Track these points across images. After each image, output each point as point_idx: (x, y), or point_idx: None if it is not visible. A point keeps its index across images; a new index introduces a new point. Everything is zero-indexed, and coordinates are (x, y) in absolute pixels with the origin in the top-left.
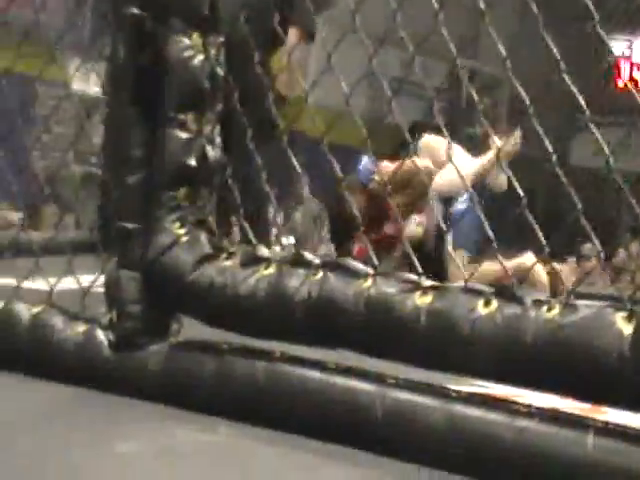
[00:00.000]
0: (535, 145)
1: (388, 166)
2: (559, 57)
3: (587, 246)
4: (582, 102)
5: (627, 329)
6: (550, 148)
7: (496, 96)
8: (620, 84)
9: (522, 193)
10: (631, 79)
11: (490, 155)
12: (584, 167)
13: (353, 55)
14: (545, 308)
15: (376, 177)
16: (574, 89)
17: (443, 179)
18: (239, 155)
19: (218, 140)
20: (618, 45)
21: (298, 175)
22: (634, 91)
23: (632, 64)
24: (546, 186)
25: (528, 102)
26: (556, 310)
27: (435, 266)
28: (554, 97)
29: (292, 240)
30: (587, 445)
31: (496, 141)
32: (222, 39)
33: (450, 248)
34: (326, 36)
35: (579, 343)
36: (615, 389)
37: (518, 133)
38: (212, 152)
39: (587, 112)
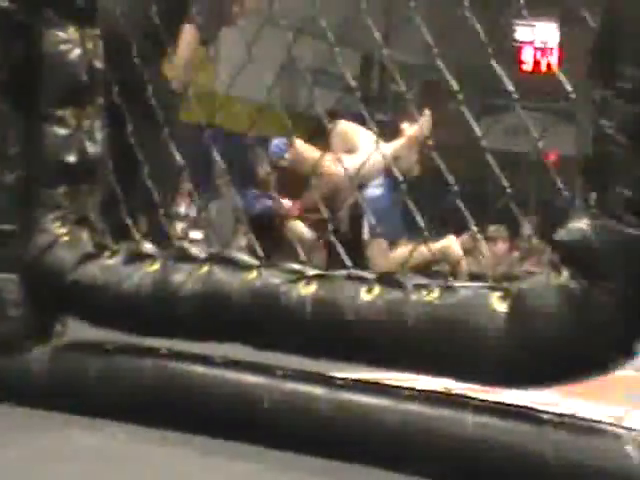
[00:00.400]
0: (448, 130)
1: (302, 145)
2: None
3: (492, 227)
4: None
5: (501, 308)
6: (478, 131)
7: (408, 83)
8: (524, 68)
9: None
10: (535, 62)
11: (401, 140)
12: (493, 149)
13: (264, 46)
14: (425, 292)
15: (287, 155)
16: (499, 71)
17: (356, 165)
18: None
19: (99, 135)
20: (521, 30)
21: (217, 168)
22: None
23: (535, 48)
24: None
25: (456, 88)
26: (435, 293)
27: (352, 254)
28: (463, 81)
29: (199, 235)
30: (468, 424)
31: (406, 127)
32: (98, 32)
33: (367, 235)
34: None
35: (457, 324)
36: (492, 367)
37: (427, 117)
38: (92, 148)
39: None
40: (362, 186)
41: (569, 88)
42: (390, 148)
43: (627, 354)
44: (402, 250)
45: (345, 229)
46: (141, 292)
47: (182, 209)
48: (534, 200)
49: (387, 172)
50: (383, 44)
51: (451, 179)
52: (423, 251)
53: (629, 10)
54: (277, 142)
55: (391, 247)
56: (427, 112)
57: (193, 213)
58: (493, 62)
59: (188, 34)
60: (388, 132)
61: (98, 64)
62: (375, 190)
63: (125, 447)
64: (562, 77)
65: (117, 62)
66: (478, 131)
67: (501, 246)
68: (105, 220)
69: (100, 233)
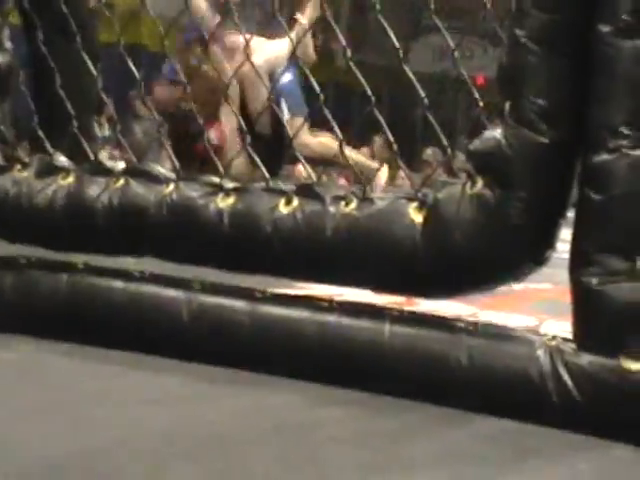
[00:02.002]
0: (375, 50)
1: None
2: None
3: (428, 151)
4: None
5: (418, 217)
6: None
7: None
8: None
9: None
10: None
11: (297, 30)
12: (424, 72)
13: None
14: (343, 203)
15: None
16: None
17: (264, 58)
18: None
19: (8, 44)
20: None
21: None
22: None
23: None
24: (389, 93)
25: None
26: (353, 204)
27: (278, 151)
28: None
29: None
30: (384, 333)
31: (300, 18)
32: None
33: (287, 115)
34: None
35: (376, 234)
36: (410, 277)
37: (313, 2)
38: (1, 57)
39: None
40: (271, 76)
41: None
42: (286, 41)
43: (538, 261)
44: (323, 139)
45: (266, 127)
46: (55, 205)
47: (106, 132)
48: (463, 122)
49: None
50: None
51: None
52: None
53: None
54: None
55: (311, 131)
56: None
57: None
58: None
59: None
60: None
61: None
62: (285, 78)
63: (41, 362)
64: None
65: None
66: (400, 52)
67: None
68: (17, 132)
69: (10, 145)
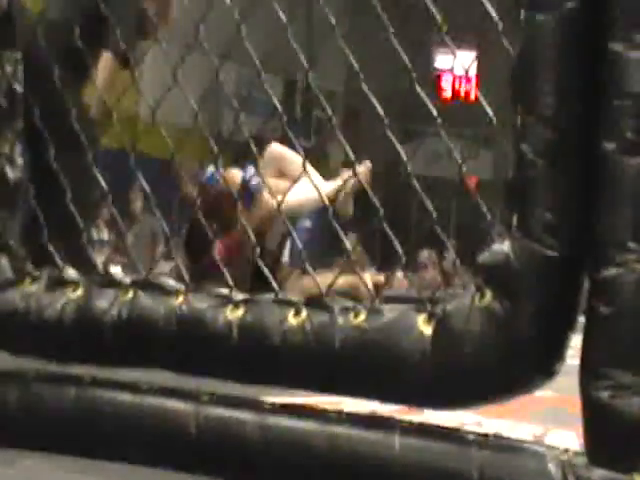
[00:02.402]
0: (371, 156)
1: (235, 173)
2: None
3: (424, 253)
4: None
5: (427, 330)
6: (404, 156)
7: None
8: (444, 95)
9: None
10: (453, 90)
11: (338, 182)
12: (417, 175)
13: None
14: (352, 314)
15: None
16: (424, 98)
17: (296, 197)
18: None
19: (19, 160)
20: (442, 58)
21: (134, 195)
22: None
23: (454, 76)
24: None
25: (382, 115)
26: (362, 316)
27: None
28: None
29: (118, 269)
30: (395, 447)
31: (345, 172)
32: (19, 55)
33: (287, 261)
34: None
35: (385, 346)
36: (418, 388)
37: (366, 167)
38: (12, 173)
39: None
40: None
41: (491, 113)
42: (329, 187)
43: (548, 374)
44: (309, 280)
45: (267, 258)
46: (64, 319)
47: (104, 236)
48: (455, 224)
49: (319, 208)
50: (308, 69)
51: (380, 210)
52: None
53: (546, 39)
54: (210, 172)
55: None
56: (367, 162)
57: (105, 237)
58: (417, 88)
59: (104, 60)
60: (313, 158)
61: (18, 88)
62: (303, 222)
63: (40, 478)
64: (484, 102)
65: (35, 86)
66: (404, 155)
67: (431, 271)
68: (26, 246)
69: (21, 259)
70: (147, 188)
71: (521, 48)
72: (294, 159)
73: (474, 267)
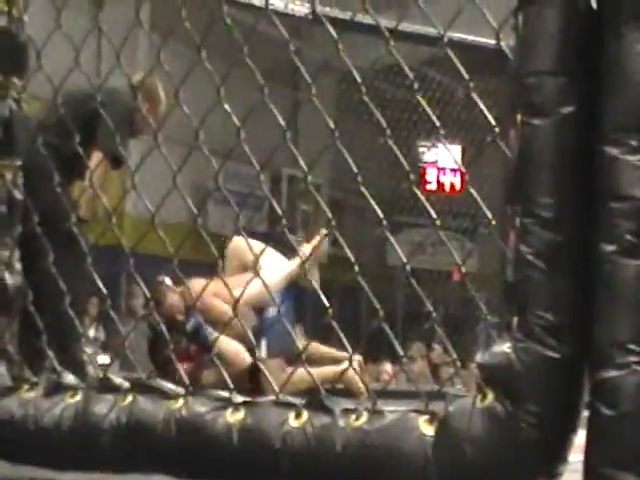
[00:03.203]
0: (352, 247)
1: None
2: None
3: (414, 347)
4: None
5: (429, 431)
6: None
7: (315, 200)
8: (429, 187)
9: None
10: (438, 183)
11: (297, 260)
12: (398, 266)
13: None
14: (353, 417)
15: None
16: (416, 192)
17: (254, 290)
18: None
19: (17, 266)
20: (425, 151)
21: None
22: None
23: (439, 169)
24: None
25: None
26: (363, 418)
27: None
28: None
29: (106, 360)
30: None
31: (303, 247)
32: (19, 162)
33: (264, 354)
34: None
35: (386, 448)
36: None
37: (322, 235)
38: (11, 279)
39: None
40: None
41: (487, 212)
42: (287, 268)
43: (551, 476)
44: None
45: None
46: (62, 425)
47: (91, 333)
48: (441, 316)
49: (285, 289)
50: (308, 169)
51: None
52: (321, 373)
53: (543, 143)
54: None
55: (288, 363)
56: (323, 231)
57: (101, 336)
58: (414, 189)
59: (96, 160)
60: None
61: (17, 194)
62: (271, 310)
63: None
64: (477, 197)
65: (33, 192)
66: (401, 253)
67: (420, 364)
68: (23, 352)
69: (18, 365)
70: (146, 290)
71: (518, 151)
72: (255, 250)
73: (478, 367)
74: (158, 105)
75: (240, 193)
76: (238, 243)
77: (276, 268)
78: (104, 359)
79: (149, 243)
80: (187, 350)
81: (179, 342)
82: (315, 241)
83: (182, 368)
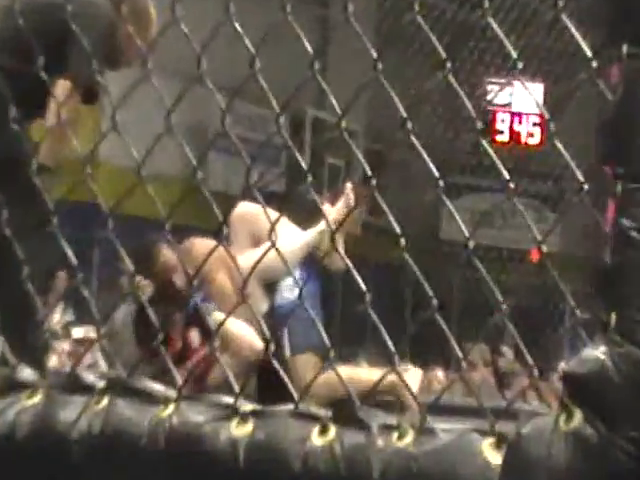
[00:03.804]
0: (397, 217)
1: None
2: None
3: (475, 350)
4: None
5: (495, 458)
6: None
7: (348, 153)
8: (499, 139)
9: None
10: (511, 133)
11: (321, 226)
12: (456, 241)
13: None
14: (395, 435)
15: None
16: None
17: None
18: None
19: None
20: (495, 91)
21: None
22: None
23: (512, 114)
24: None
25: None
26: (409, 437)
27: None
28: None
29: (80, 333)
30: None
31: (327, 209)
32: None
33: (288, 351)
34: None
35: (438, 478)
36: None
37: (349, 191)
38: None
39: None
40: (271, 287)
41: (579, 176)
42: (305, 236)
43: None
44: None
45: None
46: (16, 434)
47: (57, 315)
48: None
49: (303, 265)
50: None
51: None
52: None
53: None
54: None
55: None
56: (348, 185)
57: (69, 318)
58: (482, 141)
59: (61, 90)
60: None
61: None
62: (289, 294)
63: None
64: (566, 156)
65: None
66: (462, 225)
67: (482, 371)
68: None
69: None
70: (126, 256)
71: (623, 92)
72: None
73: (563, 377)
74: (147, 25)
75: (251, 141)
76: (247, 209)
77: (291, 237)
78: (78, 332)
79: (131, 203)
80: (187, 328)
81: (173, 317)
82: (345, 201)
83: (177, 361)
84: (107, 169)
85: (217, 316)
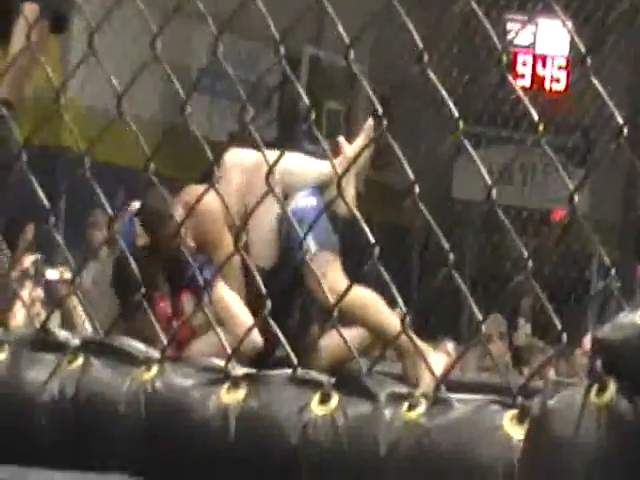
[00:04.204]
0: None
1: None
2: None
3: (490, 320)
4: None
5: (517, 433)
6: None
7: (352, 95)
8: (520, 83)
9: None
10: (534, 77)
11: (340, 159)
12: (469, 200)
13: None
14: (406, 405)
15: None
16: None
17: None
18: None
19: None
20: (517, 28)
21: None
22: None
23: (535, 56)
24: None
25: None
26: (421, 408)
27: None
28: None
29: (54, 275)
30: None
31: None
32: None
33: (313, 248)
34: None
35: (454, 453)
36: None
37: (369, 128)
38: None
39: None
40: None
41: (620, 120)
42: (322, 164)
43: None
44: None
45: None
46: None
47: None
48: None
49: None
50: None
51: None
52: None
53: None
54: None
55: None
56: (370, 120)
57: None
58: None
59: (28, 14)
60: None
61: None
62: (304, 201)
63: None
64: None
65: None
66: (487, 178)
67: (498, 345)
68: None
69: None
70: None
71: None
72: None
73: (592, 345)
74: None
75: (240, 80)
76: (241, 156)
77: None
78: (52, 274)
79: (101, 148)
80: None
81: (160, 276)
82: (365, 136)
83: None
84: (74, 108)
85: (220, 289)
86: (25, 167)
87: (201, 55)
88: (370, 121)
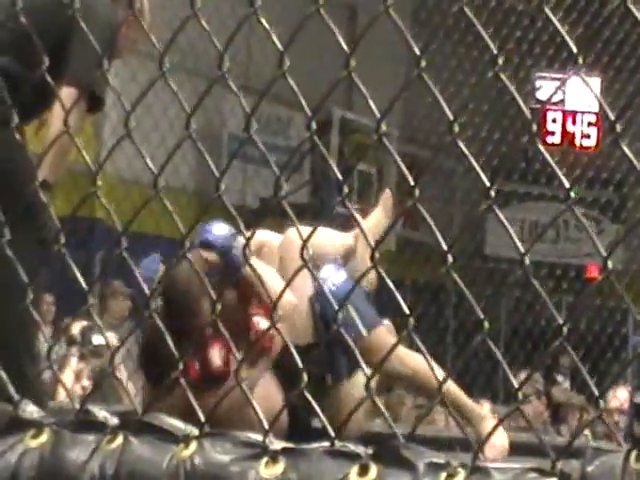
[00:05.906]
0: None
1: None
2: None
3: (522, 376)
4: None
5: None
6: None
7: (381, 158)
8: (550, 140)
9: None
10: (564, 134)
11: (350, 235)
12: (501, 257)
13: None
14: (444, 475)
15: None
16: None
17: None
18: None
19: None
20: (547, 86)
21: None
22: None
23: (565, 113)
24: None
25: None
26: (459, 477)
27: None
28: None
29: (101, 340)
30: None
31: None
32: None
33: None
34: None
35: None
36: None
37: (388, 197)
38: None
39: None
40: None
41: None
42: (344, 236)
43: None
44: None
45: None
46: (20, 478)
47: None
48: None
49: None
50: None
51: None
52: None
53: None
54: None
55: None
56: (387, 191)
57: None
58: (538, 145)
59: (68, 98)
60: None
61: None
62: (336, 278)
63: None
64: (630, 156)
65: None
66: (519, 244)
67: (535, 404)
68: None
69: None
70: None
71: None
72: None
73: (633, 411)
74: (143, 14)
75: (269, 145)
76: (292, 239)
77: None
78: (97, 339)
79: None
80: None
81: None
82: (384, 208)
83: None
84: (104, 177)
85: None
86: (64, 250)
87: (231, 119)
88: (388, 192)
